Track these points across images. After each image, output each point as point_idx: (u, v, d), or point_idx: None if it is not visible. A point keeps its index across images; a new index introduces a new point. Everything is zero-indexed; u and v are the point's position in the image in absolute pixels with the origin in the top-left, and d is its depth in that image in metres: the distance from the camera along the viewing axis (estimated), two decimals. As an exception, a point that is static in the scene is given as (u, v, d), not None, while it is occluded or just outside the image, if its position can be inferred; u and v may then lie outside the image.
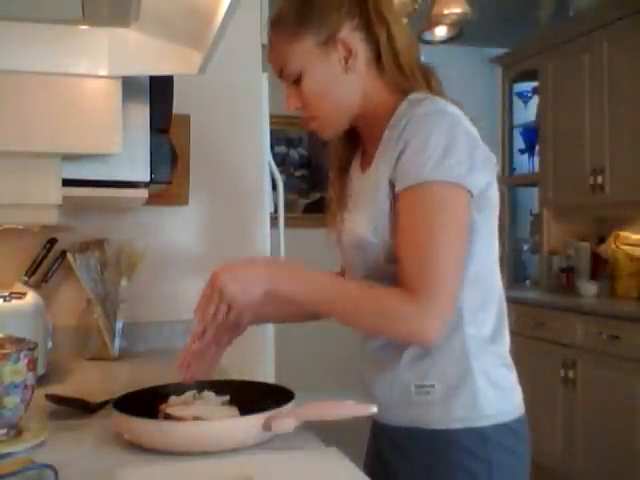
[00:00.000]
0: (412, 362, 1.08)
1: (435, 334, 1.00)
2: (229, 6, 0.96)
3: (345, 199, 1.20)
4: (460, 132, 1.02)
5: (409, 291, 1.00)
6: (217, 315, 1.04)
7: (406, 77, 1.09)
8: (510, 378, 1.12)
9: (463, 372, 1.06)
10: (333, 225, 1.22)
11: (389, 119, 1.09)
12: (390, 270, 1.06)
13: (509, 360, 1.13)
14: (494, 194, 1.08)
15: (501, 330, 1.11)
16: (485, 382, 1.06)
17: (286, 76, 1.12)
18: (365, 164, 1.16)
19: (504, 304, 1.13)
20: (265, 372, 2.00)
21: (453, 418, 1.06)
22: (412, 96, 1.08)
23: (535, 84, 4.18)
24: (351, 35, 1.08)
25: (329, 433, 1.18)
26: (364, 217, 1.09)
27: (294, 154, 4.95)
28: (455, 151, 1.00)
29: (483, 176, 1.04)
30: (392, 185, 1.05)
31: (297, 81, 1.10)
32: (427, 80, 1.11)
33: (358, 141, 1.21)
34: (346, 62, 1.09)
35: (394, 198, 1.05)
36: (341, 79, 1.09)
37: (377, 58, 1.10)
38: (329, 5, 1.08)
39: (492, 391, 1.07)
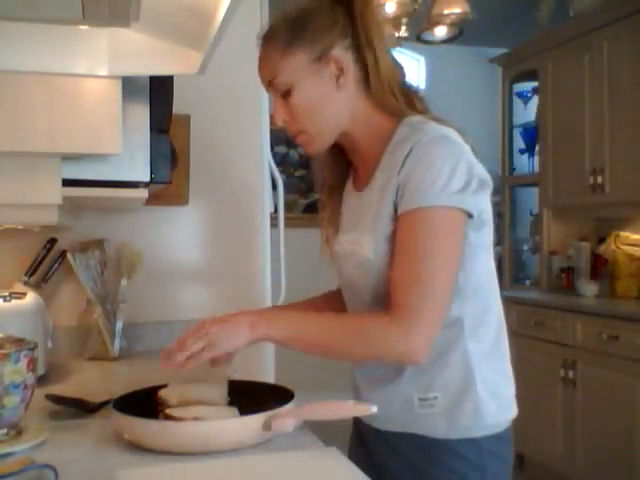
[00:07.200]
0: (415, 375, 1.10)
1: (421, 354, 1.01)
2: (229, 6, 0.96)
3: (338, 219, 1.21)
4: (462, 158, 1.04)
5: (394, 311, 1.01)
6: (194, 349, 1.02)
7: (392, 98, 1.12)
8: (510, 389, 1.14)
9: (465, 383, 1.08)
10: (326, 244, 1.23)
11: (385, 142, 1.11)
12: None
13: (509, 372, 1.15)
14: (489, 212, 1.11)
15: (500, 343, 1.14)
16: (486, 393, 1.09)
17: (275, 88, 1.12)
18: (360, 183, 1.17)
19: (503, 317, 1.16)
20: (265, 372, 2.00)
21: (456, 428, 1.08)
22: (410, 120, 1.10)
23: (535, 84, 4.17)
24: (343, 54, 1.10)
25: (329, 433, 1.18)
26: (368, 238, 1.09)
27: (294, 154, 4.94)
28: (458, 177, 1.02)
29: (483, 198, 1.07)
30: (395, 208, 1.06)
31: (286, 94, 1.11)
32: (411, 102, 1.13)
33: (348, 160, 1.22)
34: (337, 79, 1.10)
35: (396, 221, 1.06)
36: (331, 96, 1.11)
37: (365, 79, 1.12)
38: (323, 24, 1.10)
39: (493, 401, 1.09)
